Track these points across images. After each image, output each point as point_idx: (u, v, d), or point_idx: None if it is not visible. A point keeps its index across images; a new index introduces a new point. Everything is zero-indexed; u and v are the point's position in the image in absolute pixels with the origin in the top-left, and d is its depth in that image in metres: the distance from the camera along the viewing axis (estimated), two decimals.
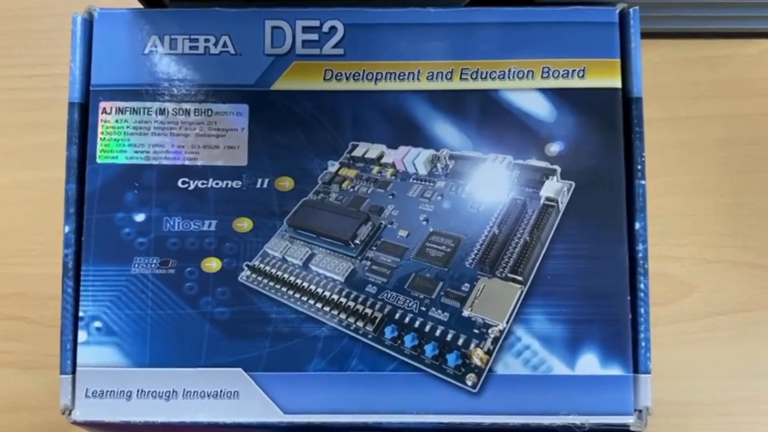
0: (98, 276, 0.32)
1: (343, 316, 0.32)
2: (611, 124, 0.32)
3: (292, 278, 0.32)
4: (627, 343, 0.31)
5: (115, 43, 0.33)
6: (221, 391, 0.31)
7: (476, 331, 0.31)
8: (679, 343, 0.39)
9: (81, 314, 0.32)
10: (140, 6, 0.34)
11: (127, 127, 0.33)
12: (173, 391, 0.31)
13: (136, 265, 0.32)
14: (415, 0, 0.33)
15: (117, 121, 0.33)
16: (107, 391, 0.31)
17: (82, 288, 0.32)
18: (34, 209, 0.40)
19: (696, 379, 0.39)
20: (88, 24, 0.33)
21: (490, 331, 0.31)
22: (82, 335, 0.32)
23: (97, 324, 0.32)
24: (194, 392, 0.31)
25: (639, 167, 0.32)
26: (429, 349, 0.31)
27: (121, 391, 0.31)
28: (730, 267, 0.40)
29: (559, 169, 0.32)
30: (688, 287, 0.40)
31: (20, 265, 0.39)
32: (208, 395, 0.31)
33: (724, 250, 0.40)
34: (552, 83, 0.33)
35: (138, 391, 0.31)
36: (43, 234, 0.39)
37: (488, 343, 0.31)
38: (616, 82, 0.33)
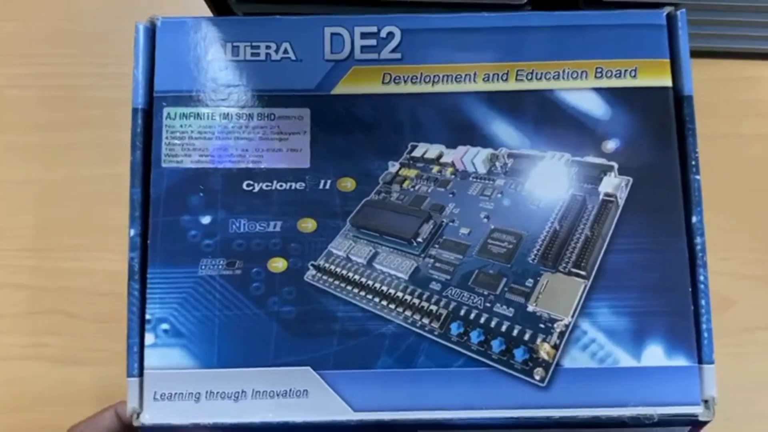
0: (165, 278, 0.32)
1: (408, 313, 0.32)
2: (664, 122, 0.33)
3: (356, 277, 0.33)
4: (691, 333, 0.31)
5: (178, 50, 0.34)
6: (290, 390, 0.31)
7: (542, 325, 0.31)
8: (718, 356, 0.39)
9: (148, 317, 0.32)
10: (201, 14, 0.35)
11: (192, 131, 0.33)
12: (242, 391, 0.31)
13: (203, 267, 0.32)
14: (474, 3, 0.34)
15: (182, 126, 0.33)
16: (175, 394, 0.31)
17: (148, 291, 0.32)
18: (82, 205, 0.40)
19: (734, 392, 0.39)
20: (151, 32, 0.34)
21: (555, 325, 0.31)
22: (149, 338, 0.32)
23: (165, 326, 0.32)
24: (263, 392, 0.31)
25: (693, 163, 0.33)
26: (496, 345, 0.31)
27: (189, 393, 0.31)
28: None
29: (616, 166, 0.33)
30: (727, 302, 0.40)
31: (67, 259, 0.39)
32: (278, 395, 0.31)
33: (764, 265, 0.40)
34: (605, 83, 0.34)
35: (206, 392, 0.31)
36: (92, 230, 0.39)
37: (554, 338, 0.31)
38: (667, 81, 0.34)
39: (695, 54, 0.40)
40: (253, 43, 0.34)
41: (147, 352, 0.32)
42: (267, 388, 0.31)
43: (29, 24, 0.43)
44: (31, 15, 0.43)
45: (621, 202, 0.33)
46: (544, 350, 0.31)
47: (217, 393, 0.31)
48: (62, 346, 0.39)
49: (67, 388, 0.38)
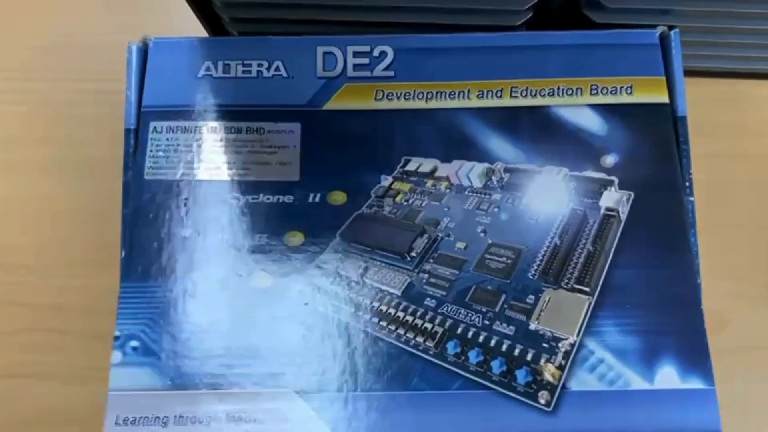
0: (139, 293, 0.30)
1: (401, 331, 0.29)
2: (662, 137, 0.32)
3: (346, 292, 0.31)
4: (705, 354, 0.29)
5: (169, 69, 0.34)
6: (269, 415, 0.28)
7: (545, 345, 0.29)
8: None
9: (117, 333, 0.29)
10: (196, 34, 0.35)
11: (177, 144, 0.32)
12: (215, 415, 0.28)
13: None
14: (472, 18, 0.34)
15: (167, 139, 0.32)
16: (140, 418, 0.28)
17: (120, 305, 0.30)
18: (77, 220, 0.38)
19: (729, 413, 0.36)
20: (143, 53, 0.34)
21: (560, 344, 0.29)
22: (116, 356, 0.29)
23: (134, 343, 0.29)
24: (239, 416, 0.28)
25: (687, 184, 0.32)
26: (496, 366, 0.29)
27: (156, 417, 0.28)
28: (765, 302, 0.38)
29: (616, 180, 0.32)
30: (722, 321, 0.38)
31: (63, 276, 0.37)
32: (255, 420, 0.28)
33: (760, 285, 0.39)
34: (601, 99, 0.33)
35: (175, 416, 0.28)
36: (87, 245, 0.38)
37: (559, 358, 0.29)
38: (664, 98, 0.33)
39: (691, 73, 0.40)
40: (245, 62, 0.34)
41: (112, 371, 0.29)
42: (244, 412, 0.28)
43: (19, 37, 0.43)
44: (21, 29, 0.43)
45: (623, 217, 0.31)
46: (549, 371, 0.29)
47: (188, 417, 0.28)
48: (58, 364, 0.36)
49: (59, 407, 0.35)
